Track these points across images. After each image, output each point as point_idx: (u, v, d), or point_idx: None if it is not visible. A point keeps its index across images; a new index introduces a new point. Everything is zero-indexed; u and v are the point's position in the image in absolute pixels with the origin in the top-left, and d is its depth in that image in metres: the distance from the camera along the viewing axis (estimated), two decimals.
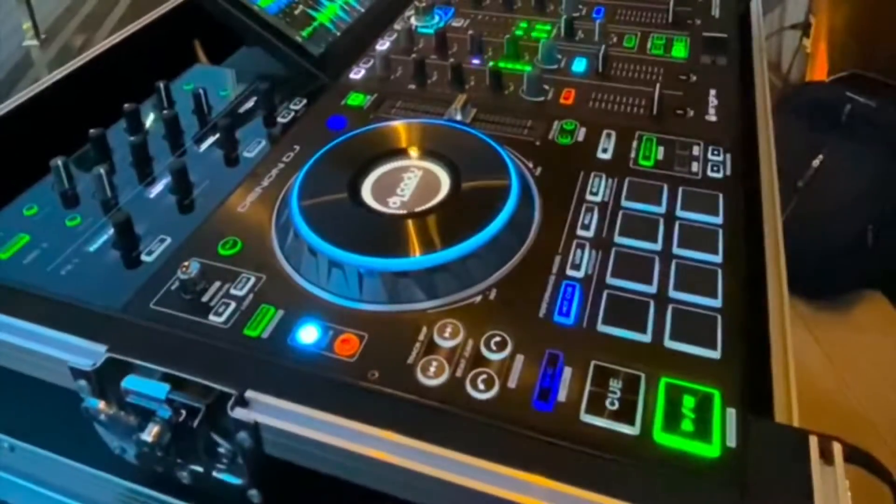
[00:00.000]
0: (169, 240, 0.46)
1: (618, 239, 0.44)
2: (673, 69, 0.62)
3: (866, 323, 1.55)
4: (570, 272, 0.42)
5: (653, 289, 0.41)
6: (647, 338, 0.38)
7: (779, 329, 0.41)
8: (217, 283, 0.42)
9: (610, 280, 0.42)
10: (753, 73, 0.63)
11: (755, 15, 0.73)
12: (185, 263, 0.42)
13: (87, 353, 0.38)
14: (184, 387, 0.37)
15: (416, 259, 0.41)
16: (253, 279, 0.43)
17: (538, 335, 0.39)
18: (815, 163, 1.57)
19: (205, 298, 0.42)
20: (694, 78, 0.60)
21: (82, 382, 0.38)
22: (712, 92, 0.58)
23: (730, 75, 0.61)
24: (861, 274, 1.53)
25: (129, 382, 0.37)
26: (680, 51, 0.64)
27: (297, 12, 0.68)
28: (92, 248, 0.46)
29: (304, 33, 0.66)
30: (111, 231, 0.47)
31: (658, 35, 0.67)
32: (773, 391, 0.38)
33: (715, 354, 0.37)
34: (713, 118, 0.55)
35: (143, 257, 0.45)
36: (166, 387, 0.36)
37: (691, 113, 0.56)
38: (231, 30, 0.65)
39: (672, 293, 0.41)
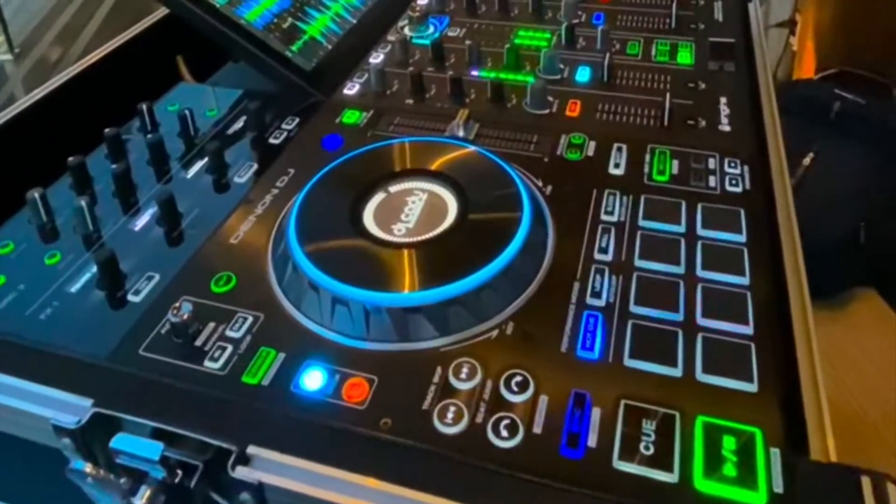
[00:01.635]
0: (157, 277, 0.43)
1: (638, 262, 0.42)
2: (680, 76, 0.59)
3: (860, 320, 1.54)
4: (590, 300, 0.40)
5: (679, 316, 0.38)
6: (677, 372, 0.36)
7: (806, 355, 0.38)
8: (211, 325, 0.39)
9: (634, 308, 0.39)
10: (757, 79, 0.61)
11: (753, 18, 0.71)
12: (176, 304, 0.39)
13: (71, 408, 0.35)
14: (179, 443, 0.34)
15: (426, 293, 0.38)
16: (250, 319, 0.40)
17: (562, 372, 0.36)
18: (806, 161, 1.55)
19: (199, 342, 0.38)
20: (703, 85, 0.58)
21: (66, 441, 0.35)
22: (723, 100, 0.56)
23: (739, 82, 0.58)
24: (854, 272, 1.53)
25: (119, 442, 0.33)
26: (686, 57, 0.62)
27: (285, 25, 0.64)
28: (74, 289, 0.43)
29: (294, 47, 0.63)
30: (94, 269, 0.44)
31: (662, 41, 0.65)
32: (807, 423, 0.35)
33: (751, 387, 0.35)
34: (726, 128, 0.53)
35: (130, 297, 0.42)
36: (160, 446, 0.33)
37: (703, 123, 0.53)
38: (216, 45, 0.62)
39: (701, 320, 0.38)
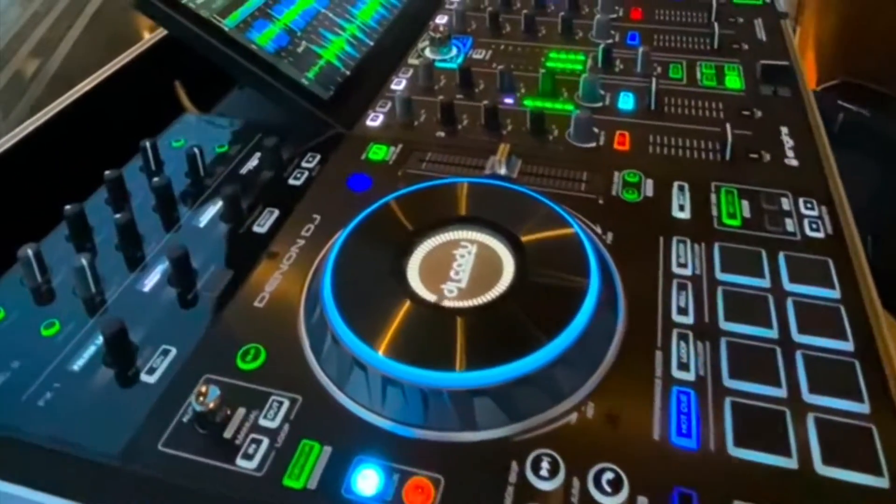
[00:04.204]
0: (174, 351, 0.37)
1: (725, 325, 0.37)
2: (732, 103, 0.55)
3: None
4: (677, 374, 0.35)
5: (782, 391, 0.34)
6: (792, 463, 0.31)
7: None
8: (241, 411, 0.34)
9: (728, 383, 0.34)
10: (804, 105, 0.56)
11: (787, 37, 0.67)
12: (202, 390, 0.33)
13: None
14: None
15: (492, 371, 0.33)
16: (286, 403, 0.34)
17: (659, 466, 0.31)
18: None
19: (228, 433, 0.33)
20: (759, 113, 0.54)
21: None
22: (784, 129, 0.52)
23: (798, 109, 0.54)
24: None
25: None
26: (734, 81, 0.58)
27: (300, 50, 0.59)
28: (76, 367, 0.37)
29: (310, 74, 0.58)
30: (99, 341, 0.38)
31: (706, 63, 0.60)
32: None
33: (881, 482, 0.30)
34: (793, 162, 0.49)
35: (144, 377, 0.36)
36: None
37: (767, 157, 0.49)
38: (219, 70, 0.57)
39: (808, 397, 0.33)
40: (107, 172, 0.48)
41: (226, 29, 0.56)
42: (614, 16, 0.68)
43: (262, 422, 0.33)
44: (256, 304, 0.40)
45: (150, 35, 0.70)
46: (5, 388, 0.36)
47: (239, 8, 0.58)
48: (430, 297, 0.37)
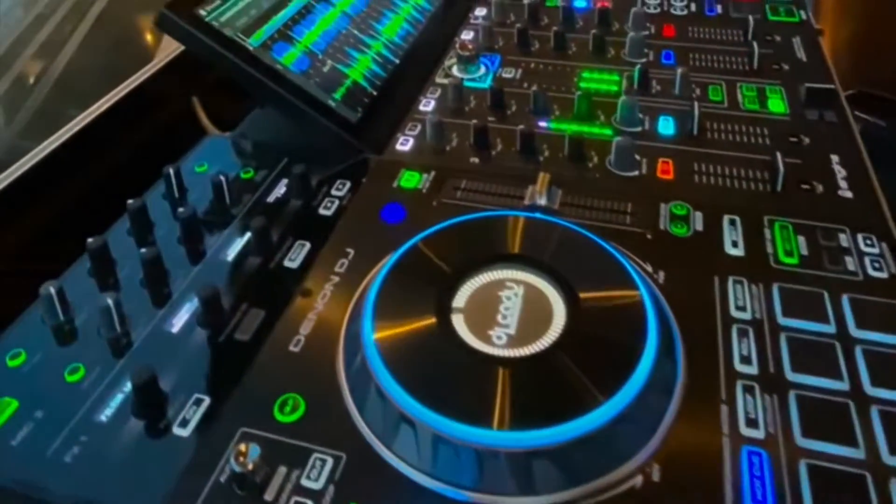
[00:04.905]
0: (206, 400, 0.35)
1: (792, 376, 0.35)
2: (777, 128, 0.53)
3: None
4: (746, 432, 0.33)
5: (861, 453, 0.31)
6: None
7: None
8: (282, 470, 0.32)
9: (802, 442, 0.32)
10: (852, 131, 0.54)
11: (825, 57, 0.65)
12: (242, 448, 0.31)
13: None
14: None
15: (553, 429, 0.31)
16: (330, 461, 0.32)
17: None
18: None
19: (269, 495, 0.31)
20: (806, 140, 0.52)
21: None
22: (834, 158, 0.50)
23: (846, 135, 0.52)
24: None
25: None
26: (777, 104, 0.56)
27: (325, 69, 0.57)
28: (104, 417, 0.35)
29: (337, 95, 0.56)
30: (127, 387, 0.36)
31: (747, 85, 0.58)
32: None
33: None
34: (847, 193, 0.46)
35: (176, 430, 0.34)
36: None
37: (820, 188, 0.47)
38: (244, 90, 0.54)
39: (888, 459, 0.31)
40: (130, 202, 0.46)
41: (251, 48, 0.54)
42: (646, 33, 0.66)
43: (305, 482, 0.31)
44: (292, 348, 0.38)
45: (154, 38, 0.68)
46: (30, 442, 0.34)
47: (263, 27, 0.56)
48: (479, 345, 0.35)
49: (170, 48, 0.70)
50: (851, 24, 1.82)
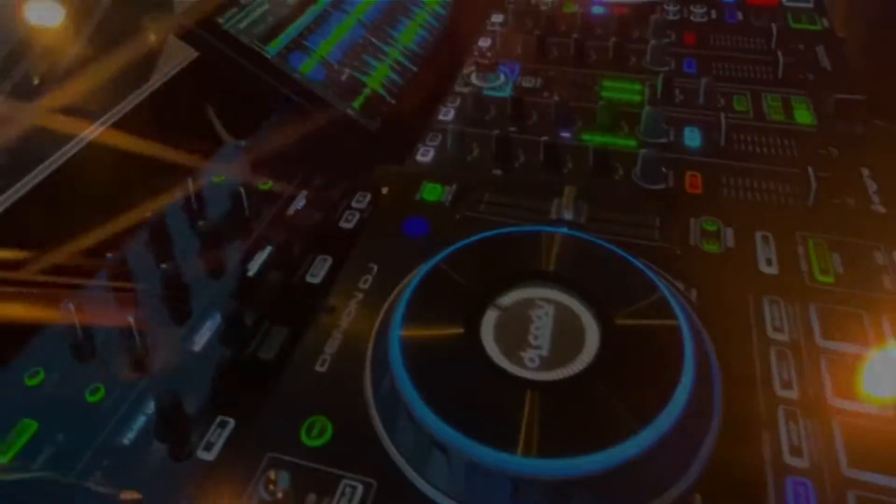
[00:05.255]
0: (231, 423, 0.34)
1: (834, 401, 0.34)
2: (805, 140, 0.52)
3: None
4: (790, 460, 0.32)
5: None
6: None
7: None
8: (311, 498, 0.31)
9: (849, 473, 0.31)
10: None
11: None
12: (271, 476, 0.30)
13: None
14: None
15: (590, 458, 0.30)
16: (360, 488, 0.31)
17: None
18: None
19: None
20: (836, 152, 0.51)
21: None
22: (865, 172, 0.49)
23: (876, 147, 0.51)
24: None
25: None
26: (804, 115, 0.55)
27: (343, 78, 0.56)
28: (126, 440, 0.34)
29: (356, 104, 0.55)
30: (149, 409, 0.35)
31: (771, 94, 0.57)
32: None
33: None
34: (880, 208, 0.46)
35: (201, 454, 0.33)
36: None
37: (852, 202, 0.46)
38: (263, 99, 0.54)
39: None
40: (150, 216, 0.45)
41: (268, 57, 0.53)
42: (668, 41, 0.65)
43: None
44: (318, 367, 0.37)
45: (156, 39, 0.67)
46: (52, 465, 0.33)
47: (280, 34, 0.55)
48: (512, 367, 0.34)
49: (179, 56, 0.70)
50: (858, 29, 1.81)
